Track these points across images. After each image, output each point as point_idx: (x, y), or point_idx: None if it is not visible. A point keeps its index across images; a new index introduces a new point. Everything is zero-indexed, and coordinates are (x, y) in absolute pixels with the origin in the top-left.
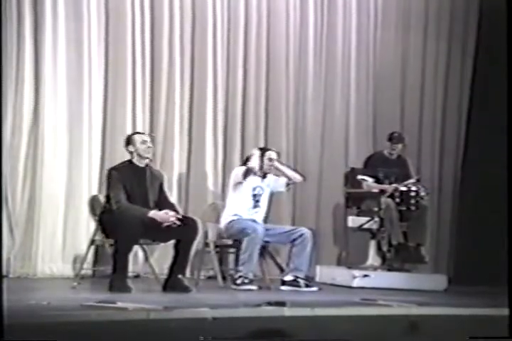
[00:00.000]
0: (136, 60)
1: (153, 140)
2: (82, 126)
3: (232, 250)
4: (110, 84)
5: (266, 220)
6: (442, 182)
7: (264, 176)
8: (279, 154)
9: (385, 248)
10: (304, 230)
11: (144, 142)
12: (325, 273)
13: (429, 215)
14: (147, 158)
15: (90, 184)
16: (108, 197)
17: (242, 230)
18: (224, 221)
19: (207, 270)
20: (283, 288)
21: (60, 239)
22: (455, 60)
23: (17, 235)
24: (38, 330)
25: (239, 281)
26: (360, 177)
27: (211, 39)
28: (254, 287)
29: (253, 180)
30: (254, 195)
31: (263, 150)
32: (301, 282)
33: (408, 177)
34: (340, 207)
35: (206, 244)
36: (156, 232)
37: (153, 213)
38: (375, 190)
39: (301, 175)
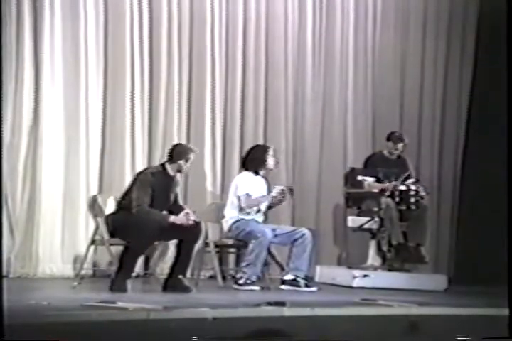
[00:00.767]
0: (134, 60)
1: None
2: (81, 127)
3: (232, 250)
4: (109, 84)
5: (264, 221)
6: (442, 181)
7: (266, 177)
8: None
9: (385, 248)
10: (305, 231)
11: (179, 171)
12: (325, 273)
13: (429, 215)
14: (181, 172)
15: (90, 184)
16: (127, 197)
17: (250, 232)
18: (228, 221)
19: (207, 270)
20: (282, 287)
21: (60, 238)
22: (454, 59)
23: (17, 235)
24: (38, 330)
25: (241, 281)
26: (360, 177)
27: (209, 39)
28: (256, 287)
29: (258, 183)
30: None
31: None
32: (301, 282)
33: (408, 177)
34: (340, 207)
35: (206, 244)
36: (159, 231)
37: (174, 218)
38: (376, 190)
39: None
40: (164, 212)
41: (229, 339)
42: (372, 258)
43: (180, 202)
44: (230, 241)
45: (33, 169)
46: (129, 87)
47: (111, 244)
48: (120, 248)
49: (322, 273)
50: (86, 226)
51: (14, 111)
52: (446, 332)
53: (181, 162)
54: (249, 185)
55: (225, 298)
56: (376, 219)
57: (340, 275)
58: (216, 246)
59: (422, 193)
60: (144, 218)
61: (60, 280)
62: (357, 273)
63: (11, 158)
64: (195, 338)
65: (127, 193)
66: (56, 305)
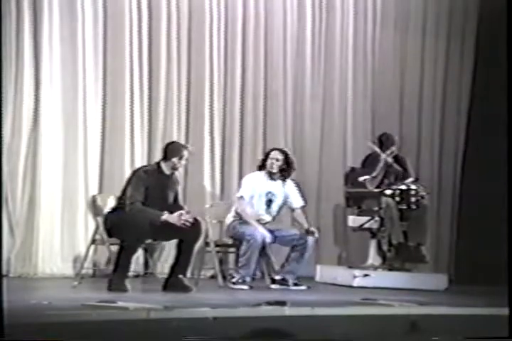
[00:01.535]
0: (133, 60)
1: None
2: (81, 127)
3: (232, 250)
4: (108, 84)
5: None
6: (442, 181)
7: (283, 181)
8: (285, 153)
9: (385, 247)
10: (308, 238)
11: (186, 159)
12: (325, 272)
13: (430, 215)
14: (176, 170)
15: (90, 184)
16: (123, 196)
17: (242, 234)
18: (228, 220)
19: (207, 269)
20: (273, 286)
21: (60, 238)
22: (454, 59)
23: (17, 235)
24: (38, 330)
25: (234, 280)
26: (361, 178)
27: (208, 39)
28: (245, 287)
29: (268, 185)
30: (268, 201)
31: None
32: (290, 281)
33: (407, 176)
34: (341, 207)
35: (207, 244)
36: (159, 231)
37: (167, 216)
38: (375, 189)
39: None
40: (165, 212)
41: (229, 339)
42: (373, 257)
43: (181, 202)
44: (230, 241)
45: (33, 169)
46: (128, 87)
47: (111, 244)
48: None
49: (322, 272)
50: (86, 226)
51: (14, 111)
52: (447, 331)
53: (175, 159)
54: (249, 186)
55: (226, 297)
56: (376, 218)
57: (341, 274)
58: (216, 245)
59: (423, 193)
60: (136, 215)
61: (60, 279)
62: (357, 272)
63: (11, 158)
64: (191, 338)
65: (123, 192)
66: (56, 305)
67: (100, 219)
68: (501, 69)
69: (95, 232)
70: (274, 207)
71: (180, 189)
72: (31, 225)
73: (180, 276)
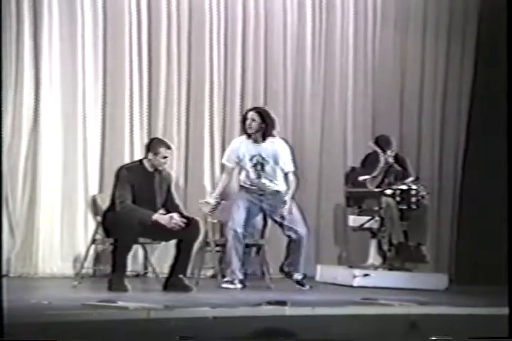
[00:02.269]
0: (133, 60)
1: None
2: (80, 127)
3: None
4: (108, 84)
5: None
6: (442, 181)
7: (265, 141)
8: (260, 112)
9: (385, 247)
10: (299, 228)
11: (165, 157)
12: (325, 272)
13: (430, 214)
14: (158, 167)
15: (90, 184)
16: (114, 195)
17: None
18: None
19: (207, 269)
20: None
21: (60, 238)
22: (454, 59)
23: (17, 235)
24: (39, 330)
25: (224, 279)
26: (361, 178)
27: (208, 39)
28: (232, 286)
29: (253, 148)
30: (260, 164)
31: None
32: (294, 275)
33: (407, 175)
34: (341, 207)
35: (207, 243)
36: (158, 232)
37: (158, 216)
38: (375, 189)
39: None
40: (160, 211)
41: (229, 338)
42: (373, 257)
43: (177, 201)
44: None
45: (33, 169)
46: (128, 87)
47: (111, 243)
48: None
49: (322, 272)
50: (85, 225)
51: (14, 111)
52: (447, 331)
53: (150, 155)
54: (232, 152)
55: (226, 297)
56: (377, 218)
57: (341, 274)
58: (216, 245)
59: (423, 193)
60: (127, 214)
61: (60, 279)
62: (357, 272)
63: (11, 158)
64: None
65: (113, 192)
66: (56, 305)
67: (100, 219)
68: (501, 69)
69: (95, 232)
70: (268, 170)
71: (179, 189)
72: (31, 225)
73: (181, 276)
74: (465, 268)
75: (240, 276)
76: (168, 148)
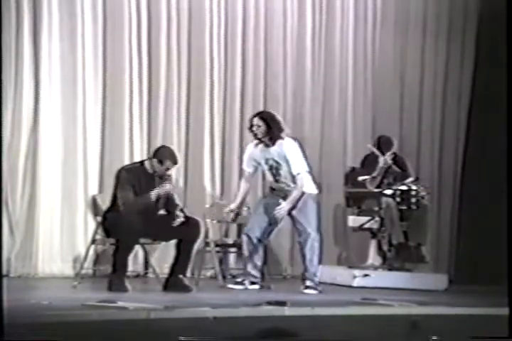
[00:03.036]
0: (133, 60)
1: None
2: (80, 127)
3: (233, 249)
4: (108, 84)
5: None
6: (442, 181)
7: (274, 145)
8: (263, 117)
9: (385, 247)
10: (310, 233)
11: (168, 170)
12: (325, 272)
13: (430, 215)
14: (158, 174)
15: (90, 184)
16: (115, 196)
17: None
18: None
19: (207, 269)
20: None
21: (60, 238)
22: (454, 59)
23: (17, 235)
24: (39, 330)
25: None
26: (361, 178)
27: (208, 39)
28: (237, 286)
29: (265, 152)
30: (275, 168)
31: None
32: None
33: (407, 176)
34: (341, 207)
35: (206, 244)
36: (158, 231)
37: (156, 192)
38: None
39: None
40: (162, 212)
41: (229, 338)
42: (373, 257)
43: (177, 201)
44: (230, 241)
45: (33, 169)
46: (128, 87)
47: (111, 244)
48: None
49: (322, 272)
50: (85, 226)
51: (14, 111)
52: (447, 331)
53: (155, 161)
54: (248, 158)
55: (226, 297)
56: (377, 218)
57: (341, 274)
58: (216, 245)
59: (423, 193)
60: (131, 215)
61: (60, 279)
62: (357, 272)
63: (11, 158)
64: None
65: (114, 194)
66: (56, 305)
67: (100, 219)
68: (501, 69)
69: (95, 232)
70: (283, 173)
71: (179, 189)
72: (31, 225)
73: (180, 276)
74: (465, 268)
75: (252, 278)
76: (175, 163)
